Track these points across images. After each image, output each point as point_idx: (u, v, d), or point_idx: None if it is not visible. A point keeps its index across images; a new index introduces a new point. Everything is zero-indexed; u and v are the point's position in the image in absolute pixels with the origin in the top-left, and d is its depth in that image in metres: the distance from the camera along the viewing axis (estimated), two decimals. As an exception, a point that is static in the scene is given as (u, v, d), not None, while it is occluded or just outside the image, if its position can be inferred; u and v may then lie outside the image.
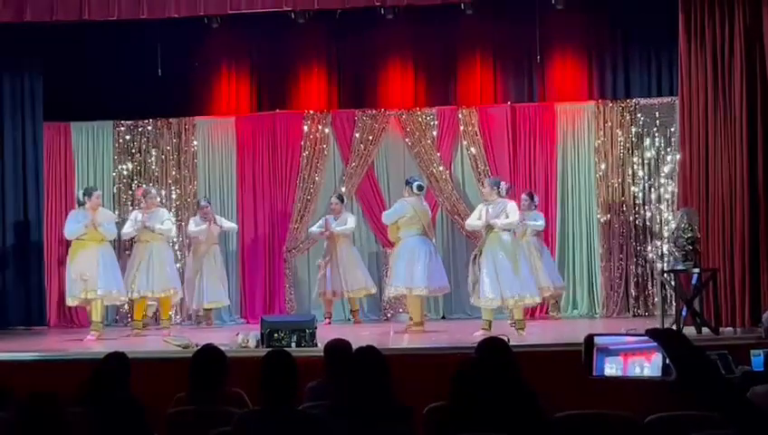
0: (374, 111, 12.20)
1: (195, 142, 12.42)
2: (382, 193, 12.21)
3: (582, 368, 2.45)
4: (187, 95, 12.38)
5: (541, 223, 11.28)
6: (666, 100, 11.66)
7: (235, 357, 6.68)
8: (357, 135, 12.17)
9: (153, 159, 12.42)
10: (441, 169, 12.02)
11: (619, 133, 11.82)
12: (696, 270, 9.18)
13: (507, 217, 9.69)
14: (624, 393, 4.31)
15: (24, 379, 6.58)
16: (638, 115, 11.82)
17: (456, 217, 11.85)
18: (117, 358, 5.23)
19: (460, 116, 12.07)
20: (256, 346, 8.50)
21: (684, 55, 9.67)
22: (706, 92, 9.53)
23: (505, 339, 4.89)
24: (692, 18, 9.60)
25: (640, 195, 11.82)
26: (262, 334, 8.64)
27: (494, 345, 4.58)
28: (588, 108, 12.04)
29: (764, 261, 9.34)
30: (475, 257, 9.82)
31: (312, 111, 12.25)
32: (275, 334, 8.57)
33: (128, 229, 10.98)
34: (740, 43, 9.43)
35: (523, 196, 11.26)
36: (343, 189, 12.01)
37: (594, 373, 2.44)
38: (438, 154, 12.06)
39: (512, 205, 9.87)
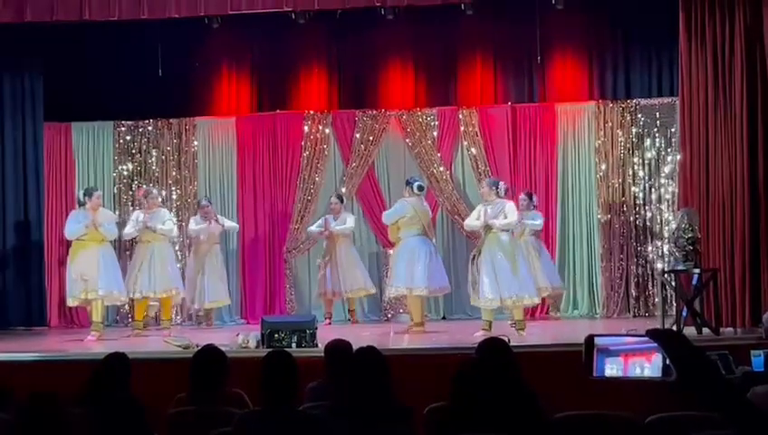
0: (374, 112, 12.20)
1: (195, 143, 12.42)
2: (383, 193, 12.21)
3: (583, 368, 2.45)
4: (187, 95, 12.38)
5: (539, 223, 11.28)
6: (666, 100, 11.66)
7: (236, 357, 6.69)
8: (357, 135, 12.17)
9: (153, 159, 12.42)
10: (441, 169, 12.02)
11: (620, 133, 11.82)
12: (697, 270, 9.18)
13: (506, 217, 9.70)
14: (624, 394, 4.30)
15: (24, 379, 6.57)
16: (639, 115, 11.82)
17: (456, 217, 11.85)
18: (117, 358, 5.23)
19: (460, 116, 12.07)
20: (257, 347, 8.50)
21: (684, 55, 9.67)
22: (707, 92, 9.53)
23: (506, 339, 4.89)
24: (692, 18, 9.60)
25: (641, 195, 11.82)
26: (262, 335, 8.64)
27: (494, 346, 4.58)
28: (588, 108, 12.04)
29: (765, 261, 9.34)
30: (473, 258, 9.83)
31: (312, 112, 12.25)
32: (276, 335, 8.57)
33: (129, 230, 10.98)
34: (740, 42, 9.43)
35: (522, 196, 11.26)
36: (344, 190, 12.01)
37: (594, 374, 2.44)
38: (439, 154, 12.06)
39: (510, 205, 9.87)
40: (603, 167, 11.84)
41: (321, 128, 12.20)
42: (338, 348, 5.41)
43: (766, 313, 8.25)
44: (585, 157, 12.02)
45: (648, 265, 11.69)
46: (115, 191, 12.37)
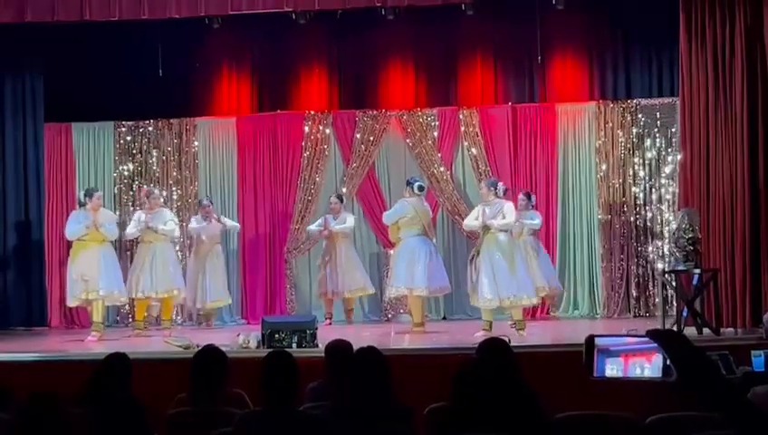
0: (375, 112, 12.21)
1: (196, 143, 12.42)
2: (383, 194, 12.21)
3: (583, 369, 2.45)
4: (187, 96, 12.38)
5: (537, 222, 11.28)
6: (666, 100, 11.66)
7: (236, 358, 6.68)
8: (358, 136, 12.17)
9: (154, 159, 12.42)
10: (442, 169, 12.02)
11: (620, 134, 11.82)
12: (697, 271, 9.18)
13: (504, 217, 9.72)
14: (625, 394, 4.30)
15: (24, 379, 6.57)
16: (639, 115, 11.82)
17: (456, 217, 11.85)
18: (118, 359, 5.23)
19: (461, 117, 12.07)
20: (257, 347, 8.49)
21: (684, 55, 9.67)
22: (707, 93, 9.54)
23: (506, 340, 4.89)
24: (693, 18, 9.60)
25: (641, 195, 11.82)
26: (263, 335, 8.64)
27: (495, 346, 4.58)
28: (588, 108, 12.04)
29: (765, 261, 9.34)
30: (472, 258, 9.85)
31: (312, 112, 12.25)
32: (276, 335, 8.57)
33: (131, 230, 11.00)
34: (741, 43, 9.44)
35: (521, 195, 11.25)
36: (344, 190, 12.01)
37: (595, 374, 2.44)
38: (439, 155, 12.06)
39: (509, 205, 9.88)
40: (604, 167, 11.84)
41: (321, 128, 12.20)
42: (338, 348, 5.41)
43: (767, 313, 8.27)
44: (585, 157, 12.02)
45: (649, 266, 11.69)
46: (116, 191, 12.37)
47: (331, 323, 11.31)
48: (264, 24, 11.50)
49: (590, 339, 2.47)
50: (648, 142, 11.81)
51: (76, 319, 11.81)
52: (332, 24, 11.75)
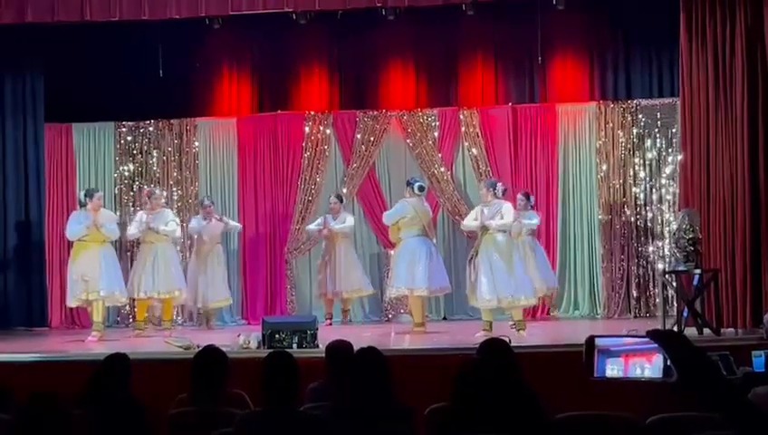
0: (375, 112, 12.21)
1: (196, 143, 12.42)
2: (383, 194, 12.21)
3: (583, 369, 2.45)
4: (188, 96, 12.38)
5: (535, 221, 11.27)
6: (667, 100, 11.66)
7: (237, 358, 6.68)
8: (358, 136, 12.17)
9: (154, 160, 12.42)
10: (442, 169, 12.02)
11: (621, 134, 11.82)
12: (698, 271, 9.17)
13: (502, 218, 9.72)
14: (625, 395, 4.29)
15: (25, 380, 6.57)
16: (640, 116, 11.82)
17: (457, 217, 11.84)
18: (118, 359, 5.23)
19: (461, 117, 12.07)
20: (258, 347, 8.49)
21: (685, 56, 9.67)
22: (708, 93, 9.53)
23: (507, 340, 4.89)
24: (693, 18, 9.60)
25: (642, 196, 11.82)
26: (263, 335, 8.64)
27: (495, 346, 4.57)
28: (589, 109, 12.04)
29: (766, 262, 9.34)
30: (471, 259, 9.87)
31: (313, 112, 12.25)
32: (277, 335, 8.57)
33: (133, 231, 11.01)
34: (741, 43, 9.43)
35: (519, 196, 11.24)
36: (345, 190, 12.01)
37: (595, 375, 2.44)
38: (440, 155, 12.06)
39: (507, 206, 9.90)
40: (604, 167, 11.84)
41: (321, 128, 12.20)
42: (339, 349, 5.41)
43: (767, 313, 8.26)
44: (586, 157, 12.02)
45: (649, 266, 11.69)
46: (116, 192, 12.37)
47: (331, 324, 11.31)
48: (265, 25, 11.50)
49: (591, 339, 2.47)
50: (648, 143, 11.81)
51: (77, 319, 11.81)
52: (333, 25, 11.75)
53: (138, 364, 5.65)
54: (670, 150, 11.69)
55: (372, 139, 12.14)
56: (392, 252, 10.99)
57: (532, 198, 11.46)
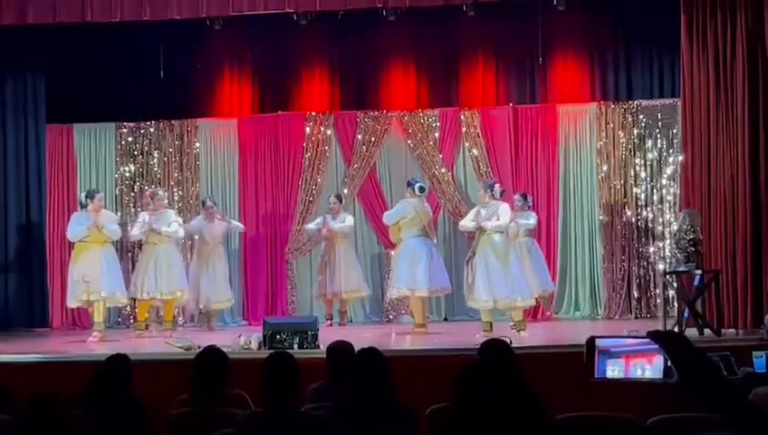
0: (376, 113, 12.21)
1: (197, 144, 12.42)
2: (384, 195, 12.21)
3: (584, 370, 2.45)
4: (189, 97, 12.39)
5: (532, 222, 11.26)
6: (668, 101, 11.66)
7: (238, 359, 6.68)
8: (359, 137, 12.17)
9: (155, 160, 12.42)
10: (443, 170, 12.02)
11: (621, 135, 11.83)
12: (699, 271, 9.17)
13: (498, 219, 9.73)
14: (626, 395, 4.30)
15: (25, 380, 6.57)
16: (640, 116, 11.83)
17: (458, 218, 11.81)
18: (119, 359, 5.24)
19: (462, 117, 12.07)
20: (258, 348, 8.49)
21: (686, 56, 9.67)
22: (708, 94, 9.53)
23: (507, 341, 4.89)
24: (694, 19, 9.60)
25: (642, 196, 11.82)
26: (264, 336, 8.64)
27: (496, 347, 4.57)
28: (590, 109, 12.04)
29: (766, 262, 9.34)
30: (469, 259, 9.87)
31: (314, 113, 12.25)
32: (277, 336, 8.57)
33: (135, 232, 11.03)
34: (742, 44, 9.44)
35: (517, 196, 11.23)
36: (345, 191, 12.01)
37: (596, 375, 2.44)
38: (440, 156, 12.06)
39: (504, 207, 9.90)
40: (605, 168, 11.84)
41: (322, 129, 12.21)
42: (340, 349, 5.41)
43: (768, 314, 8.27)
44: (587, 158, 12.03)
45: (650, 267, 11.69)
46: (117, 193, 12.38)
47: (331, 325, 11.31)
48: (266, 25, 11.50)
49: (591, 340, 2.47)
50: (649, 143, 11.81)
51: (77, 320, 11.82)
52: (333, 25, 11.75)
53: (138, 365, 5.65)
54: (671, 151, 11.70)
55: (373, 139, 12.14)
56: (393, 252, 11.00)
57: (530, 199, 11.46)
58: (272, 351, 6.19)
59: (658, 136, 11.80)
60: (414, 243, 10.31)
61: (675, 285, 9.53)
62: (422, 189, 10.53)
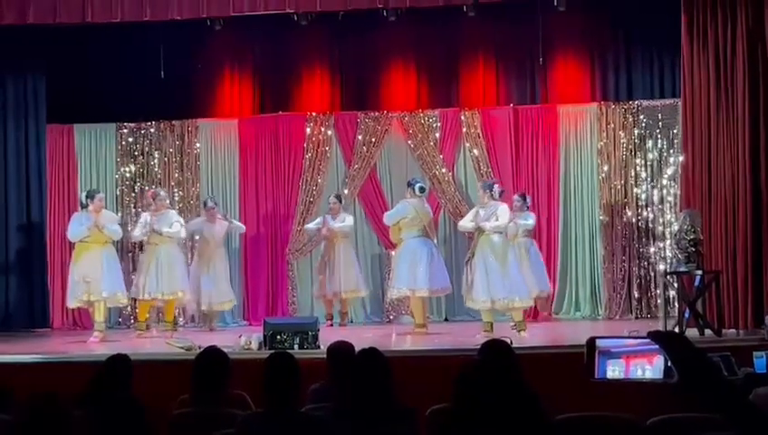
0: (377, 113, 12.21)
1: (197, 144, 12.43)
2: (385, 195, 12.21)
3: (584, 370, 2.45)
4: (189, 97, 12.39)
5: (531, 222, 11.24)
6: (668, 101, 11.66)
7: (238, 359, 6.68)
8: (359, 137, 12.17)
9: (156, 161, 12.43)
10: (444, 171, 12.02)
11: (622, 135, 11.83)
12: (699, 272, 9.17)
13: (497, 219, 9.73)
14: (626, 396, 4.29)
15: (26, 381, 6.57)
16: (641, 117, 11.83)
17: (458, 218, 11.79)
18: (119, 360, 5.24)
19: (463, 118, 12.07)
20: (259, 348, 8.50)
21: (686, 57, 9.67)
22: (709, 94, 9.54)
23: (508, 341, 4.90)
24: (694, 20, 9.60)
25: (643, 196, 11.82)
26: (264, 336, 8.64)
27: (496, 347, 4.58)
28: (590, 109, 12.04)
29: (767, 262, 9.33)
30: (468, 260, 9.88)
31: (314, 113, 12.25)
32: (278, 336, 8.57)
33: (137, 233, 11.04)
34: (743, 45, 9.44)
35: (515, 197, 11.21)
36: (346, 191, 12.01)
37: (596, 376, 2.45)
38: (441, 156, 12.06)
39: (503, 208, 9.90)
40: (605, 168, 11.84)
41: (323, 129, 12.21)
42: (340, 350, 5.41)
43: (768, 314, 8.26)
44: (587, 158, 12.02)
45: (651, 267, 11.69)
46: (117, 193, 12.38)
47: (332, 325, 11.32)
48: (266, 26, 11.51)
49: (592, 340, 2.47)
50: (649, 143, 11.81)
51: (78, 320, 11.82)
52: (334, 26, 11.75)
53: (139, 365, 5.65)
54: (671, 151, 11.70)
55: (373, 140, 12.14)
56: (393, 253, 11.00)
57: (529, 199, 11.45)
58: (272, 351, 6.18)
59: (659, 136, 11.80)
60: (414, 243, 10.31)
61: (675, 285, 9.53)
62: (422, 190, 10.53)
